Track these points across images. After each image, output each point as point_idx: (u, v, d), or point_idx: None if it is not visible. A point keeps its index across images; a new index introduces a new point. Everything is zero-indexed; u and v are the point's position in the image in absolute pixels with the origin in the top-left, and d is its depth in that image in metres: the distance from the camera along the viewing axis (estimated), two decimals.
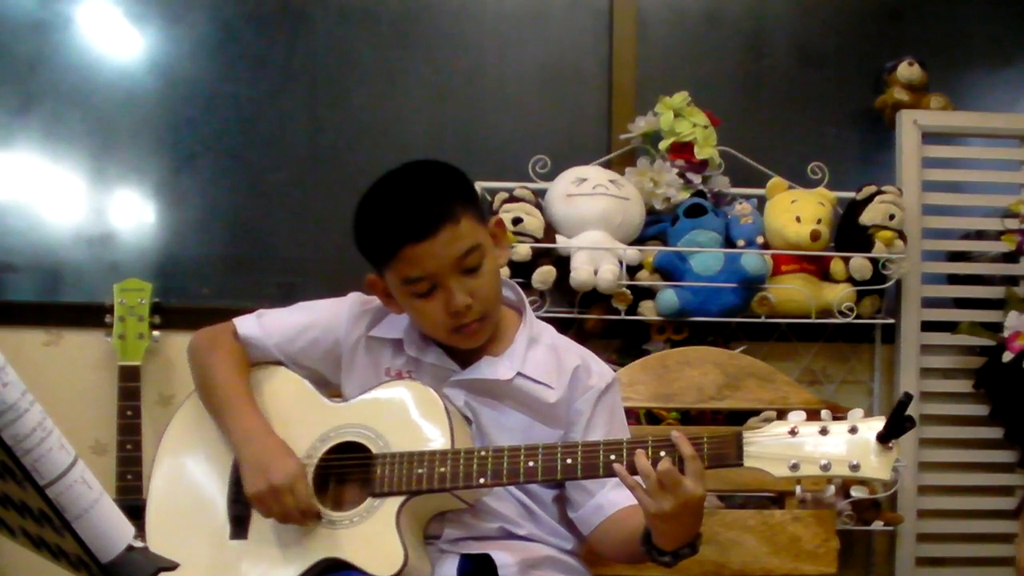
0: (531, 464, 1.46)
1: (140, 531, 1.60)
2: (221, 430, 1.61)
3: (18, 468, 0.82)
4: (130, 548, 0.89)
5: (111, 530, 0.88)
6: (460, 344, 1.59)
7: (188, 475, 1.63)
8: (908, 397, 1.30)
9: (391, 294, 1.58)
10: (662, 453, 1.39)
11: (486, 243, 1.55)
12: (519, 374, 1.60)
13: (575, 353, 1.67)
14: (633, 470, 1.40)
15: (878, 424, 1.34)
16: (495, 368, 1.60)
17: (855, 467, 1.33)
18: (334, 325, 1.67)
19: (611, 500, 1.58)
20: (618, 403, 1.68)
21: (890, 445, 1.33)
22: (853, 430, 1.35)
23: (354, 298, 1.70)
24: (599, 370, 1.66)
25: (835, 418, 1.37)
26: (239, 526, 1.56)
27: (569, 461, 1.45)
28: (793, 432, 1.37)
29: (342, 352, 1.66)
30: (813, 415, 1.38)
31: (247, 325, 1.68)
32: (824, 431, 1.36)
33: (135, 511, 1.80)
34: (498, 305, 1.61)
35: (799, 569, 1.88)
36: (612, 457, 1.43)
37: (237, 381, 1.62)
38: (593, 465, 1.44)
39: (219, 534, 1.56)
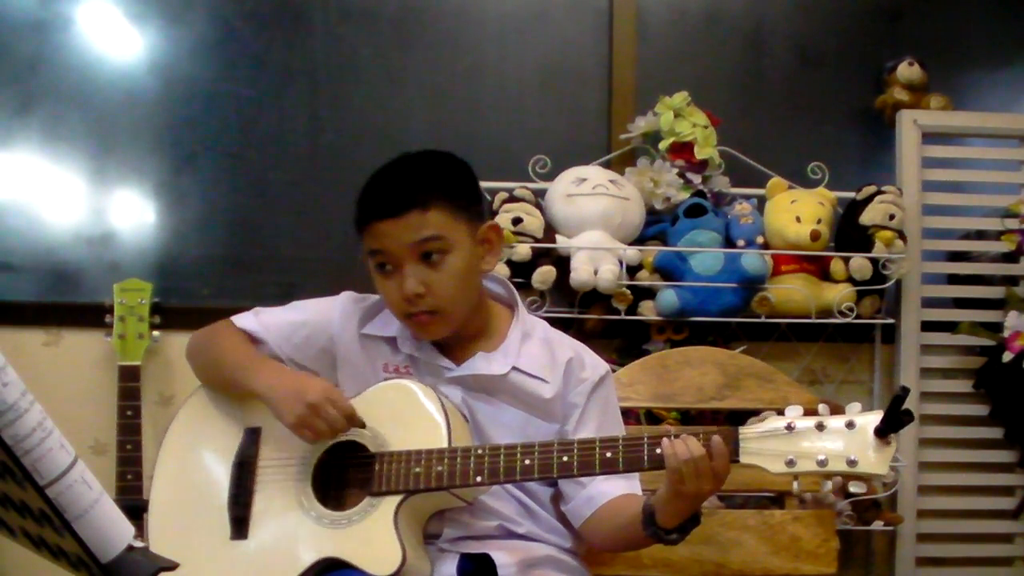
0: (527, 462, 1.46)
1: (140, 531, 1.60)
2: (245, 394, 1.61)
3: (18, 468, 0.82)
4: (130, 548, 0.89)
5: (111, 530, 0.88)
6: (414, 332, 1.61)
7: (189, 476, 1.64)
8: (905, 391, 1.29)
9: None
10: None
11: (459, 242, 1.56)
12: (514, 368, 1.61)
13: (568, 346, 1.68)
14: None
15: (876, 418, 1.32)
16: (490, 363, 1.61)
17: (853, 462, 1.32)
18: (326, 323, 1.68)
19: (602, 491, 1.59)
20: (612, 396, 1.69)
21: (888, 440, 1.32)
22: (850, 425, 1.34)
23: (346, 296, 1.71)
24: (592, 362, 1.67)
25: (832, 413, 1.36)
26: (239, 526, 1.56)
27: (565, 459, 1.45)
28: (790, 427, 1.36)
29: (336, 349, 1.67)
30: (811, 411, 1.37)
31: (246, 321, 1.69)
32: (821, 426, 1.35)
33: (135, 511, 1.81)
34: (460, 306, 1.60)
35: (799, 569, 1.88)
36: (608, 455, 1.43)
37: (244, 348, 1.65)
38: (589, 462, 1.45)
39: (220, 534, 1.56)
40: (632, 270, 2.45)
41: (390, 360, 1.65)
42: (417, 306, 1.55)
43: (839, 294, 2.46)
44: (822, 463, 1.33)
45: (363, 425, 1.53)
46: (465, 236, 1.57)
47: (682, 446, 1.38)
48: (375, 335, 1.66)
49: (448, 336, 1.62)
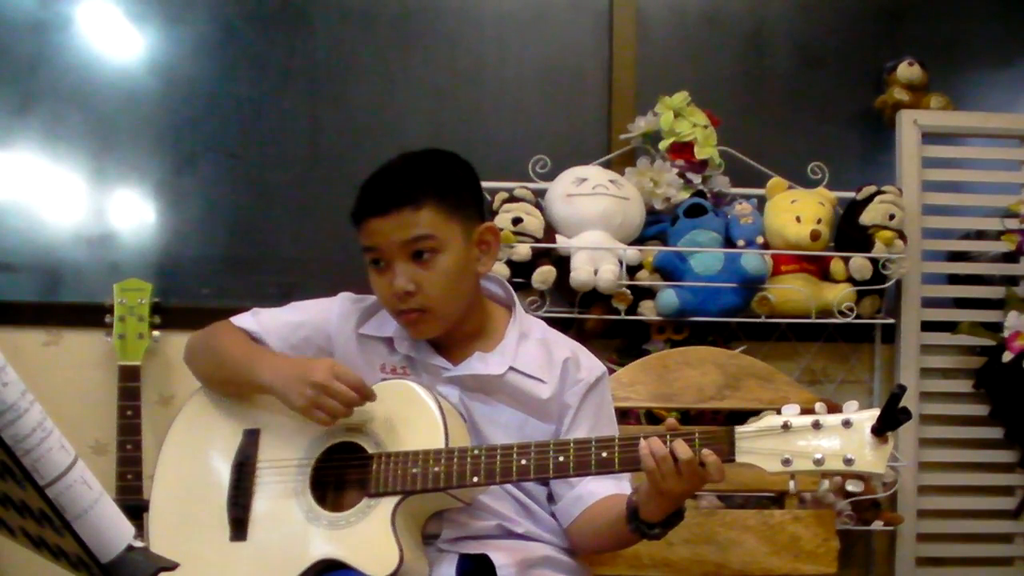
0: (523, 462, 1.46)
1: (140, 531, 1.60)
2: (247, 393, 1.61)
3: (18, 468, 0.82)
4: (130, 548, 0.89)
5: (111, 530, 0.88)
6: (407, 330, 1.61)
7: (189, 477, 1.63)
8: (901, 388, 1.29)
9: None
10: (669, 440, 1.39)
11: (451, 242, 1.56)
12: (511, 369, 1.61)
13: (565, 346, 1.68)
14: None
15: (872, 416, 1.32)
16: (487, 363, 1.61)
17: (849, 461, 1.32)
18: (324, 323, 1.68)
19: (591, 490, 1.59)
20: (607, 398, 1.69)
21: (885, 438, 1.32)
22: (847, 423, 1.34)
23: (344, 297, 1.72)
24: (588, 364, 1.67)
25: (829, 411, 1.36)
26: (238, 528, 1.56)
27: (561, 459, 1.45)
28: (786, 426, 1.36)
29: (334, 350, 1.67)
30: (807, 410, 1.37)
31: (244, 321, 1.69)
32: (817, 425, 1.35)
33: (135, 511, 1.81)
34: (451, 306, 1.60)
35: (799, 569, 1.88)
36: (604, 455, 1.43)
37: (244, 345, 1.64)
38: (585, 462, 1.45)
39: (219, 535, 1.56)
40: (632, 270, 2.44)
41: (387, 360, 1.65)
42: (407, 303, 1.56)
43: (839, 294, 2.46)
44: (819, 462, 1.33)
45: (374, 397, 1.51)
46: (458, 236, 1.57)
47: (647, 447, 1.39)
48: (372, 335, 1.66)
49: (444, 336, 1.63)
